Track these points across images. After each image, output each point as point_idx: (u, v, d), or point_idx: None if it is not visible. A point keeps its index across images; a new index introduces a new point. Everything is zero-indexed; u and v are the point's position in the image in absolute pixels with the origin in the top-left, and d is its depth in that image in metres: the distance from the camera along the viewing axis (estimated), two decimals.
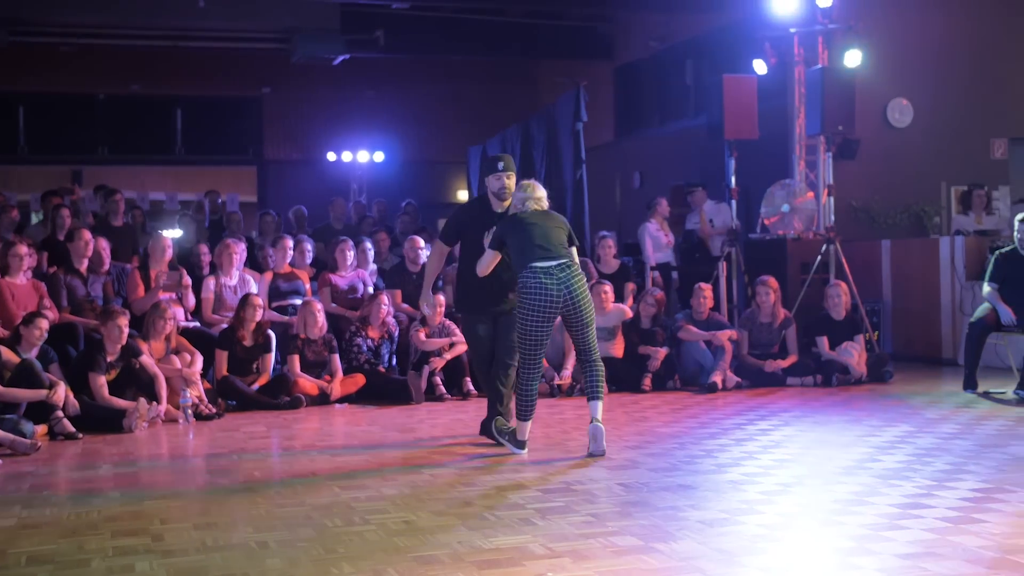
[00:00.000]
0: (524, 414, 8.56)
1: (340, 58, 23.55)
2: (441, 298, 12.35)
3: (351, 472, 8.05)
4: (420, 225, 16.67)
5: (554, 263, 8.35)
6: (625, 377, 12.46)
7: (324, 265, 13.77)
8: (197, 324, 12.17)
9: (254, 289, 12.46)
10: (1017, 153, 17.65)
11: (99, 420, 10.06)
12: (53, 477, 8.32)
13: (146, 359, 10.64)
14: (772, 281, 13.06)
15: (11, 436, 8.93)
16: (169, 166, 27.85)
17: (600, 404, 8.46)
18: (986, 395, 11.46)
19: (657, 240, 15.72)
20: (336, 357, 12.01)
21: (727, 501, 6.77)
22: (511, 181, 9.01)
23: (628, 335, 12.73)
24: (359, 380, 12.07)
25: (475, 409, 11.17)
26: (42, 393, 9.69)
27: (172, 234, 14.77)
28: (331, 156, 27.48)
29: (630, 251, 16.59)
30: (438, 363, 12.11)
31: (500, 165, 9.04)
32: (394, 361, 12.68)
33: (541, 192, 8.79)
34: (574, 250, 8.71)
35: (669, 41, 21.70)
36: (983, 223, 15.36)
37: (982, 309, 11.87)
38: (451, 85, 27.68)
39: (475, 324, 9.14)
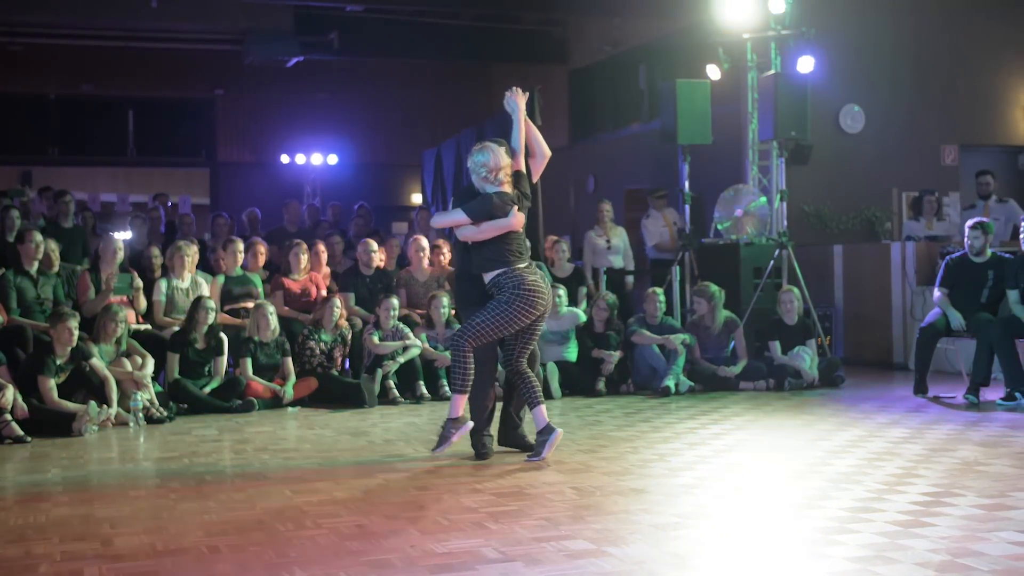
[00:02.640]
0: (462, 386, 8.31)
1: (294, 60, 23.46)
2: (395, 301, 12.34)
3: (303, 476, 8.03)
4: (373, 228, 16.62)
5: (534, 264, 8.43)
6: (579, 381, 12.51)
7: (277, 268, 13.72)
8: (148, 327, 12.10)
9: (206, 292, 12.40)
10: (967, 160, 17.79)
11: (48, 423, 9.99)
12: (1, 481, 8.25)
13: (96, 362, 10.57)
14: (706, 290, 13.07)
15: None
16: (121, 167, 27.69)
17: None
18: (936, 399, 11.53)
19: (596, 246, 15.71)
20: (289, 360, 11.99)
21: (680, 505, 6.78)
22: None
23: (581, 339, 12.76)
24: (312, 383, 12.04)
25: (428, 412, 11.17)
26: None
27: (123, 236, 14.66)
28: (284, 158, 27.43)
29: (582, 256, 16.55)
30: (391, 367, 12.09)
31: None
32: (347, 364, 12.66)
33: (507, 159, 8.46)
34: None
35: (623, 46, 21.74)
36: (934, 228, 15.46)
37: (932, 314, 11.95)
38: (406, 88, 27.65)
39: None
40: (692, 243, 15.10)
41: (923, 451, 8.53)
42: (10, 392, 9.78)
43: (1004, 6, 17.93)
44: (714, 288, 13.09)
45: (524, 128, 8.61)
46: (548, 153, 8.86)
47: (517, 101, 8.65)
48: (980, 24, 17.77)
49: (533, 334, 8.49)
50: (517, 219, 8.34)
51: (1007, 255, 11.83)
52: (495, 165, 8.30)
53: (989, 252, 11.76)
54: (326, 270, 13.69)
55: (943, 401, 11.44)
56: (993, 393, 11.34)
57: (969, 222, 11.98)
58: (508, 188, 8.36)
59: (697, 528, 6.18)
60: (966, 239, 11.81)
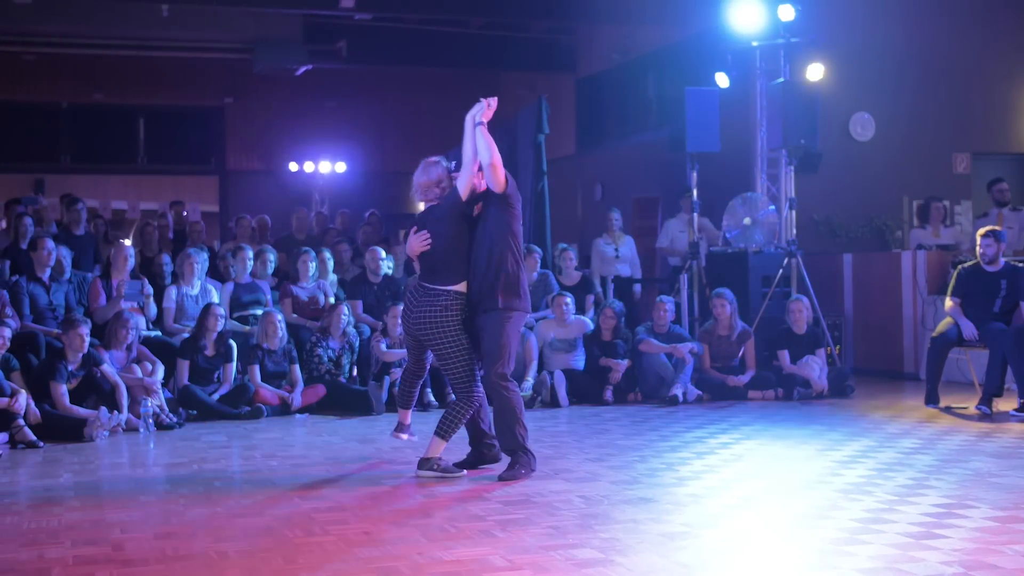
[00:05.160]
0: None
1: (303, 68, 23.54)
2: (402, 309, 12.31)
3: (311, 482, 8.03)
4: (383, 236, 16.63)
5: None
6: (586, 389, 12.49)
7: (286, 275, 13.73)
8: (158, 333, 12.12)
9: (215, 299, 12.42)
10: (979, 168, 17.73)
11: (60, 429, 10.01)
12: (14, 486, 8.27)
13: (107, 368, 10.60)
14: (728, 293, 13.08)
15: None
16: (131, 175, 27.76)
17: (437, 442, 8.20)
18: (948, 410, 11.48)
19: (604, 254, 15.70)
20: (296, 367, 11.99)
21: (688, 514, 6.77)
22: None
23: (589, 347, 12.74)
24: (320, 391, 12.05)
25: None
26: (3, 401, 9.67)
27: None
28: (293, 166, 27.49)
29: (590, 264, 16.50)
30: (399, 374, 12.08)
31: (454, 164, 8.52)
32: (355, 372, 12.65)
33: (435, 176, 8.28)
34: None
35: (631, 54, 21.74)
36: (940, 236, 15.41)
37: (944, 324, 11.90)
38: (413, 96, 27.70)
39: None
40: (698, 252, 15.07)
41: (935, 462, 8.51)
42: (23, 398, 9.82)
43: (1016, 13, 17.89)
44: (731, 296, 13.10)
45: (471, 139, 8.42)
46: (487, 161, 8.23)
47: (472, 113, 8.38)
48: (991, 31, 17.73)
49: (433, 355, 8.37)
50: (408, 245, 8.34)
51: (1021, 264, 11.80)
52: (422, 182, 8.28)
53: (1002, 261, 11.72)
54: (333, 277, 13.70)
55: (955, 412, 11.40)
56: (1006, 404, 11.31)
57: (981, 230, 11.93)
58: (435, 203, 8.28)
59: (705, 538, 6.17)
60: (978, 248, 11.75)
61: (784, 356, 12.86)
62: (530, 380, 12.30)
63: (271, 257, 13.48)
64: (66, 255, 12.06)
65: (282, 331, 11.97)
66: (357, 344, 12.53)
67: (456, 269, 8.12)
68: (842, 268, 15.65)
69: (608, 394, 12.46)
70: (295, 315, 12.82)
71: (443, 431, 8.13)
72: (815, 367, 12.73)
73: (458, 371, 8.10)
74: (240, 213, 17.38)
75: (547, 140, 15.22)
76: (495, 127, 8.56)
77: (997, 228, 12.10)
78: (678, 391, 12.31)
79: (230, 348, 11.79)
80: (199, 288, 12.56)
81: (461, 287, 8.11)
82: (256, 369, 11.78)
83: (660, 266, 18.64)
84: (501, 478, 7.93)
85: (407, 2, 19.87)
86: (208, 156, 27.98)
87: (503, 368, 8.00)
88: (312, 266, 13.14)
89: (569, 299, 12.83)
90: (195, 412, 11.40)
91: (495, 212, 8.20)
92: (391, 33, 22.45)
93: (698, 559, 5.73)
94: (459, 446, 8.56)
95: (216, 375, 11.73)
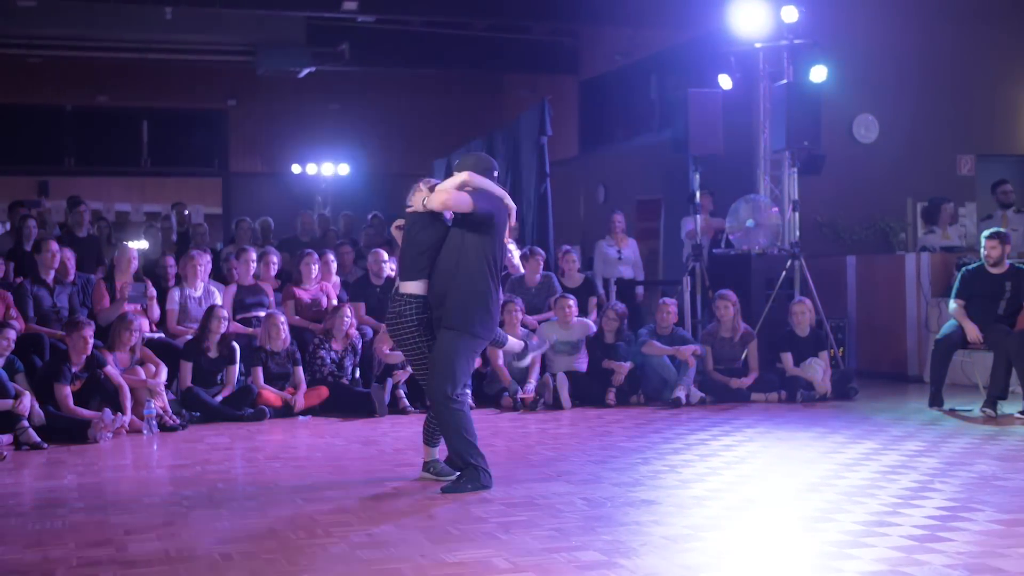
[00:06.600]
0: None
1: (306, 71, 23.53)
2: None
3: (314, 484, 8.03)
4: (386, 238, 16.61)
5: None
6: (589, 391, 12.47)
7: (290, 277, 13.74)
8: (162, 335, 12.12)
9: (219, 301, 12.41)
10: (983, 170, 17.69)
11: (64, 430, 10.05)
12: (18, 487, 8.29)
13: (111, 370, 10.61)
14: (731, 295, 13.08)
15: None
16: (135, 177, 27.75)
17: (427, 450, 8.16)
18: (952, 412, 11.47)
19: (607, 256, 15.68)
20: (300, 369, 12.00)
21: (691, 517, 6.77)
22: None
23: (592, 349, 12.73)
24: (323, 392, 12.05)
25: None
26: (8, 403, 9.69)
27: (138, 245, 14.71)
28: (296, 168, 27.46)
29: (592, 266, 16.50)
30: (401, 376, 12.09)
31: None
32: (357, 374, 12.65)
33: (422, 193, 8.09)
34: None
35: (634, 56, 21.70)
36: (950, 237, 15.37)
37: (948, 326, 11.89)
38: (416, 98, 27.66)
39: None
40: (701, 253, 15.05)
41: (939, 465, 8.50)
42: (27, 399, 9.84)
43: (1019, 15, 17.84)
44: (735, 298, 13.08)
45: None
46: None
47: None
48: (995, 33, 17.67)
49: None
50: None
51: None
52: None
53: (1007, 263, 11.70)
54: (336, 279, 13.70)
55: (959, 414, 11.39)
56: (1010, 406, 11.30)
57: (985, 232, 11.92)
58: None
59: (709, 540, 6.17)
60: (983, 250, 11.73)
61: (787, 358, 12.84)
62: (532, 382, 12.30)
63: (274, 259, 13.49)
64: (70, 257, 12.06)
65: (285, 333, 11.98)
66: (360, 346, 12.53)
67: (417, 273, 7.97)
68: (845, 270, 15.64)
69: (611, 396, 12.45)
70: (298, 317, 12.82)
71: (427, 438, 8.11)
72: (818, 369, 12.71)
73: (422, 374, 7.99)
74: (243, 215, 17.39)
75: (549, 142, 15.22)
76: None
77: (1002, 230, 12.09)
78: (681, 393, 12.30)
79: (233, 350, 11.79)
80: (202, 290, 12.56)
81: (416, 289, 7.94)
82: (259, 371, 11.79)
83: (663, 268, 18.64)
84: (443, 490, 7.67)
85: (410, 4, 19.84)
86: (211, 158, 27.97)
87: (450, 389, 7.66)
88: (315, 268, 13.14)
89: (572, 301, 12.82)
90: (198, 414, 11.41)
91: (470, 232, 7.88)
92: (394, 35, 22.44)
93: (701, 561, 5.72)
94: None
95: (219, 377, 11.74)
